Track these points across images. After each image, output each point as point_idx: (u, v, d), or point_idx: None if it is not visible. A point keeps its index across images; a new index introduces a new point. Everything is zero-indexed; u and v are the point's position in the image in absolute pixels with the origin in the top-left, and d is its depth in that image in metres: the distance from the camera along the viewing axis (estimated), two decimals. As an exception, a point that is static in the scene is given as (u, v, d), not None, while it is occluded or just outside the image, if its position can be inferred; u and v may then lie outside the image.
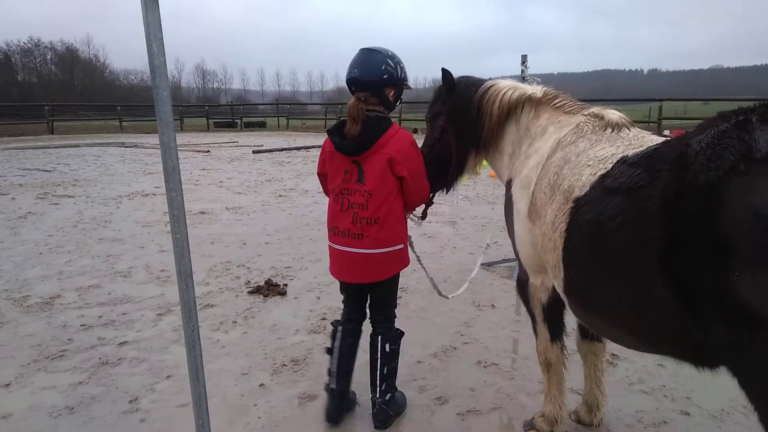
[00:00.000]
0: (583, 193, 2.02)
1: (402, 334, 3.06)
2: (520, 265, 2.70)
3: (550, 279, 2.48)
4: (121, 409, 3.16)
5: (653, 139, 2.12)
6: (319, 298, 4.94)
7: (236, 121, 37.47)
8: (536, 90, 2.74)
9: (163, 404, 3.21)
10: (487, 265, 5.94)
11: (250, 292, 5.07)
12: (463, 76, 3.03)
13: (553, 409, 2.79)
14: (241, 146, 22.06)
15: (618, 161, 1.96)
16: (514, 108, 2.74)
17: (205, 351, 3.86)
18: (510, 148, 2.79)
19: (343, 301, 3.10)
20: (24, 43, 68.33)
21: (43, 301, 4.85)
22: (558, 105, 2.65)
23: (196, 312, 2.44)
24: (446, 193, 3.23)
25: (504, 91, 2.77)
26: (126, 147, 21.26)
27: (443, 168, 3.04)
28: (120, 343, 4.02)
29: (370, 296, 2.99)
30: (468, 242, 6.96)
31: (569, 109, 2.61)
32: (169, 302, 4.81)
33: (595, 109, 2.50)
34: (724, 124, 1.61)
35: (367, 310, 3.06)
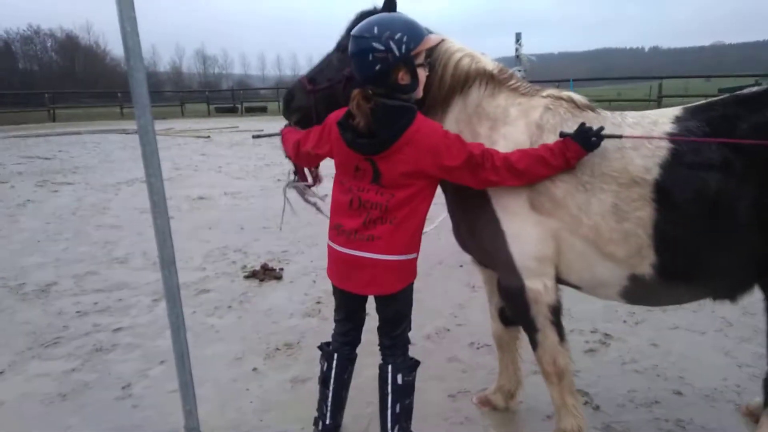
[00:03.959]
0: (657, 175, 2.02)
1: (417, 363, 2.56)
2: (510, 269, 2.28)
3: (551, 278, 2.26)
4: (113, 395, 3.18)
5: (642, 115, 2.22)
6: (314, 281, 4.94)
7: (237, 106, 37.35)
8: (492, 64, 2.36)
9: (155, 390, 3.22)
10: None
11: (246, 277, 5.07)
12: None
13: (575, 421, 2.42)
14: (241, 131, 21.96)
15: (675, 134, 2.05)
16: (472, 80, 2.31)
17: (199, 336, 3.91)
18: (454, 127, 2.34)
19: (337, 320, 2.59)
20: (23, 30, 68.35)
21: (39, 288, 4.87)
22: (513, 86, 2.33)
23: (179, 298, 2.45)
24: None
25: (458, 57, 2.31)
26: (128, 134, 21.20)
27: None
28: (115, 329, 4.03)
29: (378, 315, 2.51)
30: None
31: (524, 90, 2.33)
32: (165, 288, 4.81)
33: (552, 91, 2.34)
34: None
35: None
